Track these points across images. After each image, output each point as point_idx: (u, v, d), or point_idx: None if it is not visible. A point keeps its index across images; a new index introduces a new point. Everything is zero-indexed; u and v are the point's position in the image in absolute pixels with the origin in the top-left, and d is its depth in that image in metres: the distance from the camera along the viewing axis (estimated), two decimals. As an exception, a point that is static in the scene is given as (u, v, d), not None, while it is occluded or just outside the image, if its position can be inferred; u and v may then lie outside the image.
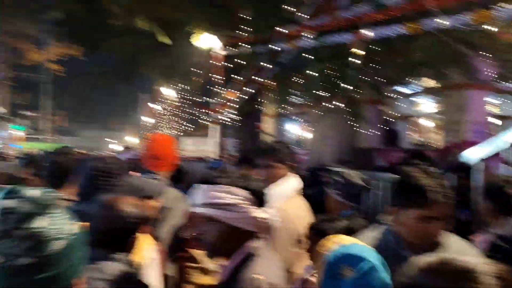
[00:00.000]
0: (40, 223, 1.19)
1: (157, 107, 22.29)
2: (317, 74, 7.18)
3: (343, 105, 7.03)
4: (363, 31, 6.26)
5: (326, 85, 7.47)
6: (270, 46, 8.07)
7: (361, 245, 1.78)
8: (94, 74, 14.81)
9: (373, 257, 1.62)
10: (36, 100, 36.87)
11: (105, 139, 53.62)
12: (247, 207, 1.82)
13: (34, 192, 1.25)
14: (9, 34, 29.34)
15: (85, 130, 60.25)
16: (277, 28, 7.29)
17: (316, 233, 2.40)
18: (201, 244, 1.92)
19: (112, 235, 1.90)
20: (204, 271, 2.52)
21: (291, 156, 3.12)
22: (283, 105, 13.53)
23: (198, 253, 2.59)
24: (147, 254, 2.23)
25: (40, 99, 35.58)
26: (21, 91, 37.00)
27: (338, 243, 1.82)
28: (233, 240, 1.82)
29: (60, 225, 1.23)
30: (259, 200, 1.85)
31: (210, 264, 2.12)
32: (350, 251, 1.67)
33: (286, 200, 2.89)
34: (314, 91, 8.06)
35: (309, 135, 17.25)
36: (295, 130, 21.92)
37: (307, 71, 8.43)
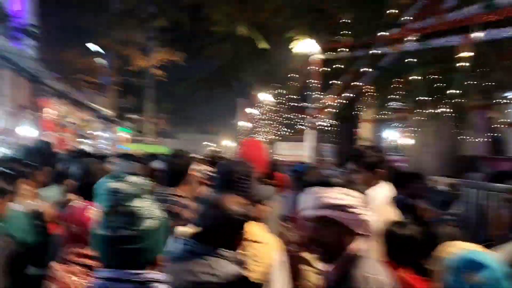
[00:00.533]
0: (138, 203, 1.50)
1: (254, 111, 22.61)
2: (420, 78, 6.90)
3: (448, 111, 6.70)
4: (472, 33, 5.93)
5: (430, 90, 7.17)
6: (370, 50, 7.92)
7: (484, 252, 1.75)
8: (193, 79, 15.33)
9: (498, 265, 1.61)
10: (140, 104, 38.99)
11: (204, 142, 55.20)
12: (360, 209, 1.82)
13: (135, 178, 1.58)
14: (118, 41, 31.35)
15: (184, 133, 62.68)
16: (379, 32, 7.10)
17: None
18: (311, 246, 1.92)
19: (219, 232, 1.95)
20: (317, 272, 2.53)
21: (382, 162, 2.94)
22: (382, 111, 13.20)
23: (308, 255, 2.63)
24: (275, 256, 2.28)
25: (143, 103, 37.56)
26: (126, 95, 39.37)
27: (460, 248, 1.81)
28: (343, 241, 1.82)
29: (153, 208, 1.53)
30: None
31: (319, 265, 2.13)
32: (474, 257, 1.64)
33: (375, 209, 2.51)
34: (416, 96, 7.79)
35: (408, 142, 16.68)
36: (393, 136, 21.30)
37: (410, 76, 8.17)
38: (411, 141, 14.41)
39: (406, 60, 7.47)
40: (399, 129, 20.73)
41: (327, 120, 11.71)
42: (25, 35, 13.39)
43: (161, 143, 42.09)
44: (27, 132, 8.75)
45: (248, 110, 25.00)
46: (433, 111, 7.03)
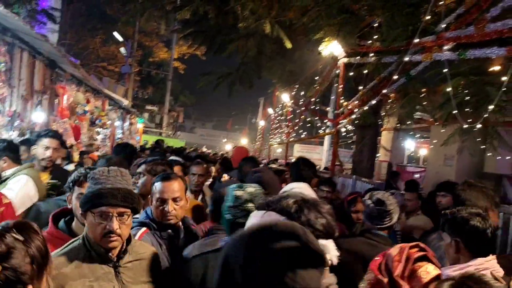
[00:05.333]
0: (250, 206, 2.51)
1: (274, 111, 22.33)
2: (449, 90, 6.53)
3: (478, 126, 6.32)
4: (514, 46, 5.56)
5: (461, 102, 6.81)
6: (400, 56, 7.56)
7: None
8: (215, 74, 15.08)
9: None
10: (159, 96, 39.01)
11: (223, 139, 55.01)
12: None
13: (250, 187, 2.67)
14: (142, 32, 31.29)
15: (201, 128, 62.70)
16: (412, 39, 6.75)
17: None
18: None
19: None
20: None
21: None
22: (405, 120, 12.86)
23: None
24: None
25: (162, 95, 37.51)
26: (146, 86, 39.45)
27: None
28: None
29: None
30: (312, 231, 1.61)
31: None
32: None
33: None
34: (446, 108, 7.43)
35: (429, 153, 16.27)
36: (413, 146, 20.87)
37: (440, 86, 7.80)
38: (433, 153, 14.01)
39: (437, 69, 7.13)
40: (421, 140, 20.31)
41: (348, 125, 11.37)
42: (48, 19, 13.29)
43: (178, 136, 42.10)
44: (41, 118, 8.57)
45: (269, 109, 24.71)
46: (461, 124, 6.65)
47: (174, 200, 3.13)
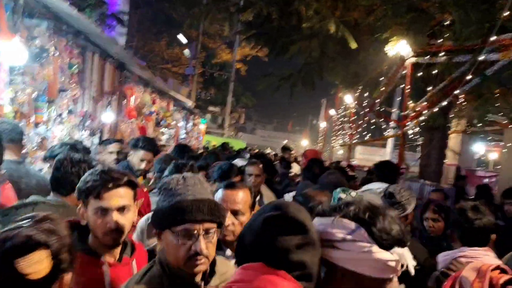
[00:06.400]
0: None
1: (337, 113, 22.02)
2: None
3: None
4: None
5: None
6: (474, 56, 7.20)
7: None
8: (277, 76, 15.05)
9: None
10: (221, 98, 39.50)
11: (284, 140, 54.82)
12: (359, 244, 1.48)
13: (353, 192, 3.10)
14: (206, 34, 31.80)
15: (262, 129, 62.96)
16: (488, 37, 6.40)
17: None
18: None
19: None
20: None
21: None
22: (476, 122, 12.28)
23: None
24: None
25: (224, 96, 37.92)
26: (209, 87, 40.07)
27: None
28: None
29: None
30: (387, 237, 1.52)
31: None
32: None
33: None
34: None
35: (500, 157, 15.49)
36: (484, 150, 19.97)
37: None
38: (506, 157, 13.32)
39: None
40: (491, 144, 19.40)
41: (415, 127, 11.00)
42: (117, 22, 13.73)
43: (239, 137, 42.49)
44: (110, 118, 8.84)
45: (331, 111, 24.40)
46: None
47: (235, 213, 2.70)
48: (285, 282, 1.46)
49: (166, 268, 1.97)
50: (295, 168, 10.20)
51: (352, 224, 1.52)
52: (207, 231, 1.96)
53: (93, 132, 8.02)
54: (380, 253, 1.47)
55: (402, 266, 1.51)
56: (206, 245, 1.94)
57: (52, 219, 1.55)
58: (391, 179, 4.90)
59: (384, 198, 3.78)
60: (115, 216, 2.24)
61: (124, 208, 2.28)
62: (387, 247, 1.50)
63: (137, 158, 4.87)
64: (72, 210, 2.55)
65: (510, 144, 12.26)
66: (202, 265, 1.95)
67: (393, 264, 1.49)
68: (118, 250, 2.38)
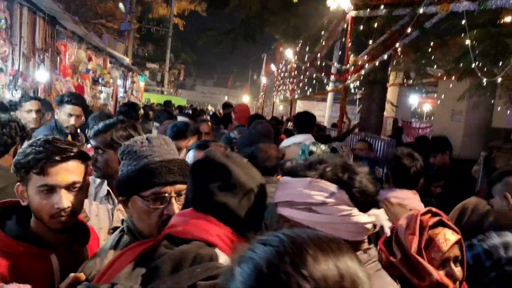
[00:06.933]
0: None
1: (278, 68, 21.98)
2: (468, 42, 6.28)
3: (499, 79, 6.12)
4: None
5: (479, 55, 6.59)
6: (413, 8, 7.28)
7: None
8: (216, 31, 14.76)
9: None
10: (159, 54, 38.49)
11: (225, 96, 54.36)
12: (339, 207, 1.41)
13: (322, 145, 3.76)
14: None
15: (202, 85, 62.20)
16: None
17: None
18: None
19: None
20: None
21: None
22: (414, 75, 12.61)
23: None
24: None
25: (163, 52, 36.98)
26: (146, 43, 38.86)
27: None
28: None
29: None
30: (359, 199, 1.44)
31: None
32: None
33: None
34: (460, 62, 7.21)
35: (436, 109, 16.09)
36: (419, 102, 20.68)
37: (456, 39, 7.56)
38: (440, 109, 13.86)
39: (453, 21, 6.86)
40: (425, 96, 20.10)
41: (356, 81, 11.18)
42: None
43: (180, 94, 41.79)
44: (44, 77, 8.37)
45: (272, 66, 24.30)
46: (478, 78, 6.46)
47: None
48: (211, 226, 1.47)
49: (138, 236, 1.81)
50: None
51: (332, 186, 1.43)
52: (179, 193, 1.82)
53: (26, 92, 7.58)
54: (359, 216, 1.42)
55: (375, 227, 1.49)
56: (179, 208, 1.80)
57: None
58: (309, 130, 5.20)
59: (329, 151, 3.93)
60: (64, 194, 1.85)
61: (74, 185, 1.88)
62: (365, 209, 1.45)
63: (64, 113, 4.46)
64: (7, 171, 2.26)
65: (444, 95, 12.72)
66: None
67: (369, 226, 1.46)
68: (67, 236, 1.97)
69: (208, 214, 1.50)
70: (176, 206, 1.79)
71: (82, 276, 1.55)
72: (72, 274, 1.56)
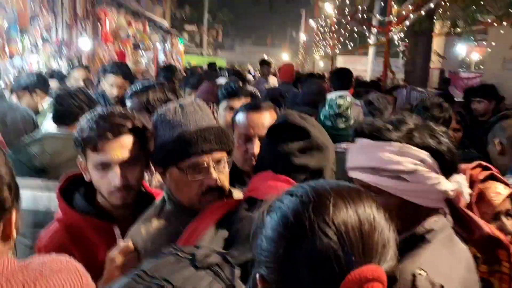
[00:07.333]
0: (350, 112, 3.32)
1: (316, 24, 21.51)
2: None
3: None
4: None
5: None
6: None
7: None
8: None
9: None
10: (197, 15, 38.32)
11: (264, 55, 53.96)
12: (429, 175, 1.33)
13: (348, 97, 3.86)
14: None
15: (241, 45, 61.80)
16: None
17: None
18: None
19: None
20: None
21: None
22: (460, 22, 12.07)
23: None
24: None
25: (197, 13, 36.72)
26: (184, 5, 38.72)
27: None
28: (404, 220, 1.34)
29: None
30: (447, 165, 1.37)
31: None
32: None
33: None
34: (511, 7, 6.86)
35: (478, 57, 15.45)
36: (464, 50, 19.86)
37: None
38: (490, 58, 13.29)
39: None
40: (473, 45, 19.26)
41: (400, 33, 10.81)
42: None
43: (218, 55, 41.74)
44: (87, 44, 8.51)
45: (310, 21, 23.80)
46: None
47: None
48: (286, 186, 1.40)
49: (179, 207, 1.74)
50: (272, 80, 9.93)
51: (423, 153, 1.35)
52: (217, 162, 1.72)
53: (71, 61, 7.75)
54: (445, 184, 1.37)
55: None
56: (219, 177, 1.71)
57: None
58: (346, 86, 5.19)
59: (365, 106, 3.95)
60: (119, 171, 1.79)
61: (129, 160, 1.81)
62: (449, 174, 1.39)
63: (107, 84, 4.33)
64: None
65: (494, 43, 12.16)
66: (218, 200, 1.72)
67: (452, 193, 1.39)
68: (130, 210, 1.91)
69: (288, 175, 1.52)
70: (216, 175, 1.69)
71: (131, 245, 1.57)
72: (122, 243, 1.57)
